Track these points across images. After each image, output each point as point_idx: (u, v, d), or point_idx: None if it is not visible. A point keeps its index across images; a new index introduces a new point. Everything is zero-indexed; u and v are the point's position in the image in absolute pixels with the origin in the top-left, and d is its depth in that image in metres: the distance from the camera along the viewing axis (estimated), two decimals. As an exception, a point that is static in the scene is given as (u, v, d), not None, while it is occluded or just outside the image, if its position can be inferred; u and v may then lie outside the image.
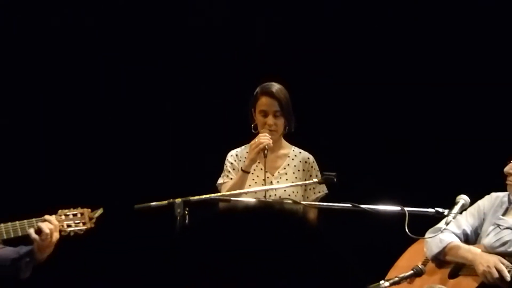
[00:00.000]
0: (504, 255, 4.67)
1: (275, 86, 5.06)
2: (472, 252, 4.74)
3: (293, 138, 5.23)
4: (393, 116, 6.52)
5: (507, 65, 6.31)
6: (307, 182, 4.99)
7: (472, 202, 4.83)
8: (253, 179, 5.10)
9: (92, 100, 6.74)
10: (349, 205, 4.50)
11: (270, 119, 5.01)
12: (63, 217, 4.27)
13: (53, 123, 6.65)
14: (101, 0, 6.81)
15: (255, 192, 4.92)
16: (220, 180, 5.13)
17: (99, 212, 4.30)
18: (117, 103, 6.75)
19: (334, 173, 4.62)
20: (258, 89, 5.09)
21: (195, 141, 6.51)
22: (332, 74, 6.57)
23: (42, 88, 6.67)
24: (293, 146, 5.21)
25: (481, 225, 4.92)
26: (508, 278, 4.59)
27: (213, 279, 1.25)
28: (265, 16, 6.74)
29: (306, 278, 1.27)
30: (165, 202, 4.31)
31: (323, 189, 5.09)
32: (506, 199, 4.93)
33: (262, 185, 5.01)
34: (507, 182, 4.87)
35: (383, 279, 4.50)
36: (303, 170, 5.13)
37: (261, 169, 5.06)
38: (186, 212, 4.27)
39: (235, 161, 5.14)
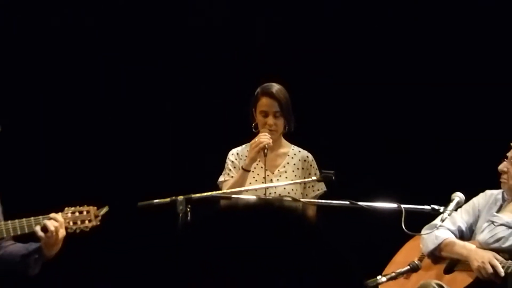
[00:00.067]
0: (498, 251, 4.72)
1: (275, 87, 5.06)
2: (467, 248, 4.78)
3: (292, 137, 5.21)
4: (390, 116, 6.48)
5: (502, 66, 6.29)
6: (306, 180, 4.98)
7: (467, 200, 4.88)
8: (254, 177, 5.10)
9: (92, 100, 6.69)
10: (347, 202, 4.52)
11: (270, 119, 5.00)
12: (69, 214, 4.28)
13: (54, 123, 6.60)
14: (101, 0, 6.77)
15: (256, 189, 4.94)
16: (221, 178, 5.12)
17: (105, 210, 4.32)
18: (117, 103, 6.70)
19: (332, 171, 4.64)
20: (258, 90, 5.08)
21: (196, 140, 6.48)
22: (331, 74, 6.53)
23: (43, 88, 6.64)
24: (293, 145, 5.20)
25: (475, 221, 4.94)
26: (502, 274, 4.64)
27: (215, 275, 1.26)
28: (265, 16, 6.68)
29: (305, 273, 1.28)
30: (168, 199, 4.35)
31: (321, 187, 5.09)
32: (500, 196, 4.96)
33: (262, 183, 5.02)
34: (501, 180, 4.91)
35: (381, 274, 4.53)
36: (302, 168, 5.13)
37: (261, 167, 5.05)
38: (188, 209, 4.28)
39: (236, 159, 5.13)
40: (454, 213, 4.80)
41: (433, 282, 4.66)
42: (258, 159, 5.04)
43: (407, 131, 6.42)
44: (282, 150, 5.18)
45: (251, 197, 4.79)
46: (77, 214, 4.29)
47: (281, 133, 5.11)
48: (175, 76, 6.74)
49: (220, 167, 5.18)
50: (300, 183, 5.05)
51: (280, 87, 5.07)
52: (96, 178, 6.43)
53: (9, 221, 4.28)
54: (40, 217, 4.23)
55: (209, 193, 4.53)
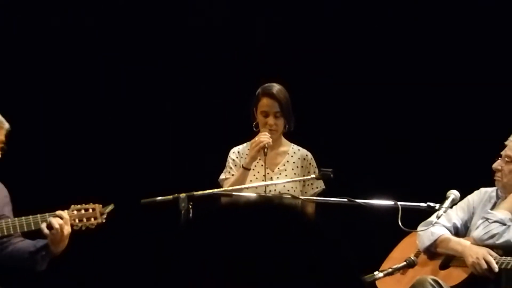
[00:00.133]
0: (492, 247, 4.72)
1: (276, 87, 5.07)
2: (462, 244, 4.79)
3: (292, 136, 5.23)
4: (387, 115, 6.48)
5: (498, 65, 6.28)
6: (305, 177, 5.01)
7: (462, 197, 4.89)
8: (254, 175, 5.11)
9: (92, 100, 6.67)
10: (345, 199, 4.53)
11: (270, 120, 5.02)
12: (75, 212, 4.34)
13: (58, 123, 6.59)
14: (101, 0, 6.75)
15: (256, 187, 4.96)
16: (222, 176, 5.15)
17: (110, 207, 4.38)
18: (117, 103, 6.67)
19: (330, 170, 4.67)
20: (259, 90, 5.10)
21: (198, 139, 6.47)
22: (329, 74, 6.51)
23: (43, 88, 6.62)
24: (292, 144, 5.22)
25: (470, 218, 4.96)
26: (496, 269, 4.65)
27: (216, 270, 1.26)
28: (265, 16, 6.64)
29: (304, 269, 1.28)
30: (170, 197, 4.37)
31: (320, 185, 5.10)
32: (494, 194, 4.98)
33: (263, 180, 5.04)
34: (495, 178, 4.93)
35: (378, 270, 4.56)
36: (302, 166, 5.15)
37: (262, 165, 5.07)
38: (190, 206, 4.31)
39: (237, 157, 5.16)
40: (450, 210, 4.80)
41: (429, 277, 4.67)
42: (259, 158, 5.05)
43: (403, 131, 6.40)
44: (282, 149, 5.20)
45: (252, 195, 4.79)
46: (83, 211, 4.36)
47: (281, 133, 5.14)
48: (175, 76, 6.69)
49: (221, 165, 5.20)
50: (299, 181, 5.08)
51: (281, 87, 5.09)
52: (101, 176, 6.41)
53: (16, 218, 4.35)
54: (47, 214, 4.30)
55: (210, 191, 4.54)
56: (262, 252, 1.27)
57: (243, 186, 4.87)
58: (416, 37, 6.46)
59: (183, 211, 4.32)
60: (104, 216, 4.39)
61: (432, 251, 4.90)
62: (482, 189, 5.06)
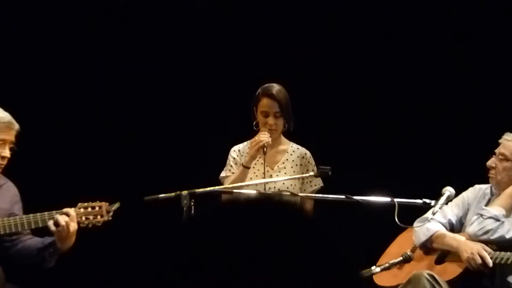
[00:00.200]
0: (487, 242, 4.75)
1: (276, 88, 5.09)
2: (457, 240, 4.81)
3: (291, 135, 5.24)
4: (384, 114, 6.46)
5: (494, 65, 6.27)
6: (304, 175, 5.02)
7: (457, 194, 4.89)
8: (254, 173, 5.13)
9: (92, 99, 6.64)
10: (343, 196, 4.55)
11: (270, 120, 5.05)
12: (81, 210, 4.38)
13: (56, 124, 6.54)
14: (101, 0, 6.71)
15: (256, 184, 4.98)
16: (222, 174, 5.17)
17: (116, 205, 4.42)
18: (117, 103, 6.64)
19: (329, 167, 4.70)
20: (259, 90, 5.11)
21: (199, 137, 6.46)
22: (329, 73, 6.48)
23: (42, 88, 6.59)
24: (292, 142, 5.25)
25: (465, 215, 4.99)
26: (491, 264, 4.66)
27: (217, 266, 1.27)
28: (265, 16, 6.59)
29: (303, 264, 1.28)
30: (173, 194, 4.41)
31: (319, 182, 5.11)
32: (488, 190, 5.01)
33: (263, 178, 5.06)
34: (489, 175, 4.96)
35: (375, 265, 4.61)
36: (301, 164, 5.17)
37: (262, 163, 5.10)
38: (192, 203, 4.34)
39: (237, 156, 5.19)
40: (445, 207, 4.83)
41: (425, 272, 4.68)
42: (259, 156, 5.08)
43: (400, 129, 6.40)
44: (281, 147, 5.22)
45: (252, 192, 4.82)
46: (89, 209, 4.40)
47: (281, 132, 5.17)
48: (175, 76, 6.65)
49: (222, 163, 5.23)
50: (298, 178, 5.10)
51: (280, 87, 5.11)
52: (106, 175, 6.40)
53: (24, 216, 4.40)
54: (54, 212, 4.34)
55: (211, 188, 4.55)
56: (262, 247, 1.28)
57: (243, 184, 4.89)
58: (415, 37, 6.44)
59: (185, 208, 4.36)
60: (111, 214, 4.42)
61: (428, 246, 4.92)
62: (477, 186, 5.09)
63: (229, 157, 5.24)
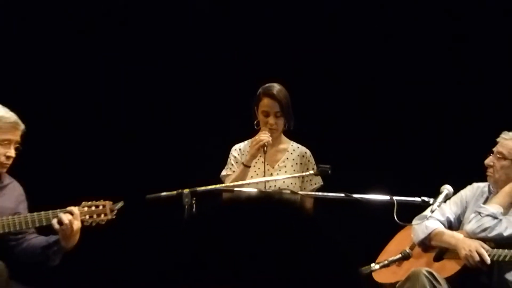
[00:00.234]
0: (485, 240, 4.77)
1: (276, 88, 5.11)
2: (455, 237, 4.83)
3: (291, 133, 5.26)
4: (383, 114, 6.47)
5: (492, 64, 6.27)
6: (304, 174, 5.05)
7: (456, 192, 4.91)
8: (255, 171, 5.17)
9: (92, 100, 6.63)
10: (343, 194, 4.58)
11: (271, 119, 5.08)
12: (85, 208, 4.41)
13: (55, 124, 6.53)
14: (101, 0, 6.71)
15: (257, 183, 5.01)
16: (223, 172, 5.20)
17: (120, 204, 4.44)
18: (118, 103, 6.63)
19: (328, 166, 4.72)
20: (260, 90, 5.14)
21: (201, 136, 6.47)
22: (328, 72, 6.48)
23: (43, 87, 6.59)
24: (292, 141, 5.27)
25: (463, 212, 5.01)
26: (488, 262, 4.68)
27: (218, 263, 1.27)
28: (265, 16, 6.60)
29: (303, 261, 1.28)
30: (174, 192, 4.43)
31: (318, 181, 5.14)
32: (486, 189, 5.04)
33: (263, 176, 5.09)
34: (487, 173, 4.99)
35: (374, 262, 4.63)
36: (301, 163, 5.20)
37: (262, 162, 5.12)
38: (194, 202, 4.36)
39: (238, 154, 5.22)
40: (443, 205, 4.85)
41: (424, 269, 4.70)
42: (259, 155, 5.11)
43: (399, 129, 6.41)
44: (282, 146, 5.26)
45: (252, 190, 4.84)
46: (93, 208, 4.43)
47: (281, 131, 5.20)
48: (175, 76, 6.65)
49: (223, 162, 5.26)
50: (298, 177, 5.12)
51: (281, 87, 5.14)
52: (109, 174, 6.42)
53: (29, 214, 4.42)
54: (58, 210, 4.37)
55: (213, 186, 4.58)
56: (263, 245, 1.28)
57: (244, 182, 4.92)
58: (415, 37, 6.45)
59: (186, 206, 4.38)
60: (114, 212, 4.45)
61: (426, 244, 4.95)
62: (475, 184, 5.12)
63: (230, 155, 5.27)
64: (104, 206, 4.45)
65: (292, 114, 5.17)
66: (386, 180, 5.02)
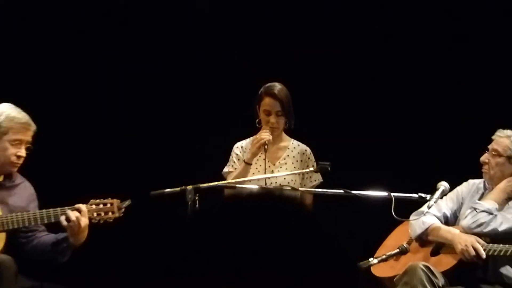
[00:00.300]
0: (480, 235, 4.80)
1: (277, 87, 5.16)
2: (452, 232, 4.85)
3: (292, 131, 5.29)
4: (381, 112, 6.49)
5: (489, 63, 6.29)
6: (304, 170, 5.09)
7: (452, 188, 4.97)
8: (256, 168, 5.21)
9: (93, 99, 6.63)
10: (342, 191, 4.63)
11: (272, 118, 5.14)
12: (93, 206, 4.45)
13: (56, 124, 6.45)
14: (101, 0, 6.71)
15: (258, 180, 5.05)
16: (225, 169, 5.25)
17: (127, 203, 4.48)
18: (119, 103, 6.62)
19: (328, 163, 4.75)
20: (262, 89, 5.19)
21: (204, 134, 6.48)
22: (327, 72, 6.49)
23: (43, 87, 6.57)
24: (292, 139, 5.33)
25: (459, 208, 5.04)
26: (484, 256, 4.70)
27: (221, 257, 1.32)
28: (265, 16, 6.60)
29: (303, 255, 1.33)
30: (178, 189, 4.48)
31: (318, 178, 5.19)
32: (481, 185, 5.07)
33: (264, 173, 5.13)
34: (483, 170, 5.02)
35: (372, 257, 4.71)
36: (301, 161, 5.25)
37: (264, 159, 5.16)
38: (197, 198, 4.41)
39: (240, 152, 5.27)
40: (440, 201, 4.90)
41: (421, 263, 4.70)
42: (261, 152, 5.15)
43: (397, 127, 6.42)
44: (282, 144, 5.31)
45: (254, 187, 4.86)
46: (101, 206, 4.47)
47: (282, 130, 5.25)
48: (175, 76, 6.64)
49: (225, 159, 5.30)
50: (299, 174, 5.17)
51: (282, 87, 5.19)
52: (115, 171, 6.44)
53: (37, 211, 4.47)
54: (66, 207, 4.41)
55: (215, 183, 4.62)
56: (264, 240, 1.33)
57: (246, 179, 4.96)
58: (415, 37, 6.45)
59: (190, 202, 4.43)
60: (122, 210, 4.48)
61: (423, 239, 4.97)
62: (471, 181, 5.15)
63: (232, 153, 5.32)
64: (111, 204, 4.49)
65: (293, 113, 5.22)
66: (384, 177, 5.01)
